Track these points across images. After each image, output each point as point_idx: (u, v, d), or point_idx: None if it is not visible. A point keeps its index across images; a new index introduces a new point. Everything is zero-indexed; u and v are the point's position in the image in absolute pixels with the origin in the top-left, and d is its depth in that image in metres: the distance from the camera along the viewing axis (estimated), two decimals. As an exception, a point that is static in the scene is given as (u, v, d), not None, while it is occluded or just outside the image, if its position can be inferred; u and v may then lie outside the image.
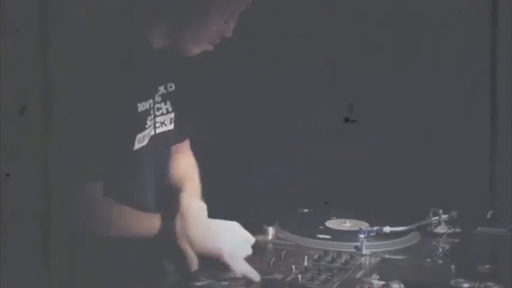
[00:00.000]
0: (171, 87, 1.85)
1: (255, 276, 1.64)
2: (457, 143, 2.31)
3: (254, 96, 2.57)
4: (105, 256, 1.67)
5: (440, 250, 1.86)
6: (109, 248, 1.66)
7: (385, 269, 1.72)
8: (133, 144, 1.71)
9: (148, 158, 1.77)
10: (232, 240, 1.70)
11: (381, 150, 2.45)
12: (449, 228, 1.99)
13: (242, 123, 2.59)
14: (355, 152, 2.50)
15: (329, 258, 1.78)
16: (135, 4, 1.73)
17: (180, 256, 1.68)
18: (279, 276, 1.66)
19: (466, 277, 1.60)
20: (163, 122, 1.83)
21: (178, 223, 1.68)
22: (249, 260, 1.71)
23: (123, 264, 1.69)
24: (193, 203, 1.75)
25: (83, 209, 1.63)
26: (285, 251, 1.80)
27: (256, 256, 1.76)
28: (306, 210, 2.18)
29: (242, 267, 1.65)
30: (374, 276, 1.66)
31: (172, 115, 1.85)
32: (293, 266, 1.70)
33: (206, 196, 1.99)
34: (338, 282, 1.62)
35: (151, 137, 1.78)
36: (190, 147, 2.01)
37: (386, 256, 1.81)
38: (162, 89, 1.82)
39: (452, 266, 1.68)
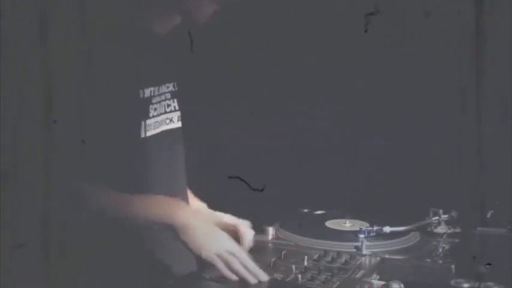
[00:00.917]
0: (175, 86, 1.86)
1: (251, 279, 1.63)
2: (457, 143, 2.31)
3: (254, 96, 2.57)
4: (104, 255, 1.67)
5: (440, 250, 1.86)
6: (108, 247, 1.66)
7: (385, 269, 1.72)
8: (139, 131, 1.72)
9: (158, 150, 1.79)
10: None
11: (381, 150, 2.45)
12: (449, 228, 1.99)
13: (242, 123, 2.59)
14: (355, 152, 2.50)
15: (329, 258, 1.78)
16: None
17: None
18: (279, 276, 1.66)
19: (466, 277, 1.60)
20: (172, 118, 1.85)
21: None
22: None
23: (123, 264, 1.69)
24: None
25: (84, 200, 1.63)
26: (285, 251, 1.80)
27: (256, 256, 1.76)
28: (306, 210, 2.18)
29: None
30: (374, 276, 1.66)
31: (179, 113, 1.88)
32: (293, 266, 1.70)
33: (206, 196, 2.00)
34: (338, 282, 1.62)
35: (163, 131, 1.80)
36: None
37: (387, 256, 1.81)
38: (170, 87, 1.85)
39: (452, 266, 1.68)
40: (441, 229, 1.99)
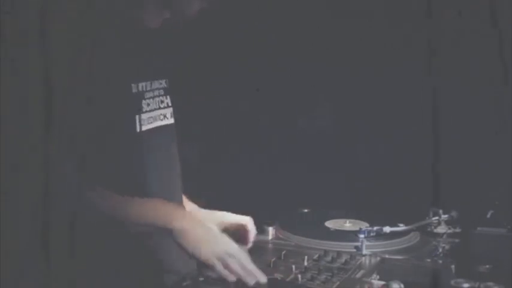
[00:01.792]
0: (166, 82, 1.87)
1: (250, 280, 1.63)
2: (457, 143, 2.31)
3: (254, 96, 2.57)
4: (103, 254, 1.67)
5: (440, 250, 1.86)
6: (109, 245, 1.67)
7: (385, 269, 1.72)
8: (134, 126, 1.73)
9: (154, 145, 1.79)
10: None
11: (381, 150, 2.45)
12: (449, 228, 1.99)
13: (242, 123, 2.59)
14: (355, 152, 2.50)
15: (329, 258, 1.78)
16: None
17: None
18: (279, 276, 1.66)
19: (466, 277, 1.60)
20: (165, 115, 1.85)
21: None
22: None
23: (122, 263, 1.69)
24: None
25: (82, 198, 1.63)
26: (285, 251, 1.80)
27: (256, 256, 1.76)
28: (306, 210, 2.18)
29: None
30: (374, 276, 1.66)
31: (171, 110, 1.89)
32: (293, 266, 1.70)
33: (206, 196, 2.00)
34: (338, 282, 1.62)
35: (157, 127, 1.80)
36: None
37: (387, 256, 1.81)
38: (163, 83, 1.86)
39: (452, 266, 1.68)
40: (441, 229, 1.99)
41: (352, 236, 1.91)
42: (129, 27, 1.74)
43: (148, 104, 1.79)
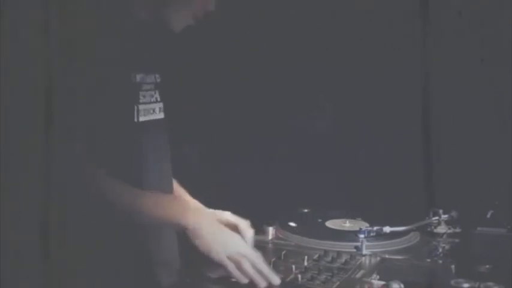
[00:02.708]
0: (158, 78, 1.87)
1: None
2: (457, 143, 2.31)
3: (254, 96, 2.57)
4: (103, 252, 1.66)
5: (440, 250, 1.86)
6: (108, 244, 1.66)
7: (385, 269, 1.72)
8: (133, 115, 1.73)
9: (147, 138, 1.80)
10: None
11: (381, 150, 2.45)
12: (449, 228, 1.99)
13: (241, 123, 2.59)
14: (355, 152, 2.50)
15: (329, 258, 1.78)
16: None
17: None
18: (279, 276, 1.66)
19: (466, 277, 1.60)
20: (154, 109, 1.85)
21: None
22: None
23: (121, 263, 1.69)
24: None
25: (83, 189, 1.63)
26: (285, 251, 1.80)
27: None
28: (306, 210, 2.18)
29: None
30: (374, 276, 1.66)
31: (161, 104, 1.88)
32: (293, 266, 1.70)
33: (207, 196, 1.99)
34: (338, 282, 1.62)
35: (148, 121, 1.81)
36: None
37: (387, 256, 1.81)
38: (153, 78, 1.85)
39: (452, 266, 1.68)
40: (441, 229, 1.99)
41: (352, 236, 1.91)
42: (131, 20, 1.74)
43: (144, 96, 1.79)
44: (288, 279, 1.65)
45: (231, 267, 1.62)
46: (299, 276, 1.65)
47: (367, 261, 1.77)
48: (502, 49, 2.23)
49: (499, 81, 2.25)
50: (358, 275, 1.67)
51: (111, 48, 1.68)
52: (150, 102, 1.83)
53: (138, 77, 1.78)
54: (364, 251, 1.81)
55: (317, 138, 2.54)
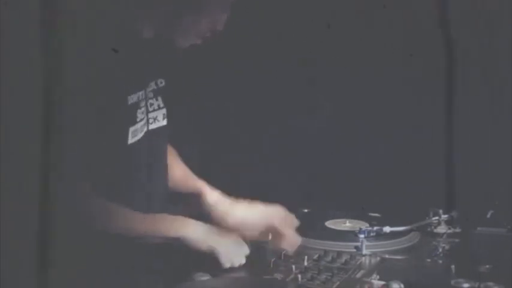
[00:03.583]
0: (161, 82, 1.84)
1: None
2: (457, 143, 2.31)
3: (255, 96, 2.57)
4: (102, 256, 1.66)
5: (440, 250, 1.86)
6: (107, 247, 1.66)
7: (385, 269, 1.72)
8: (126, 138, 1.70)
9: (143, 154, 1.77)
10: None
11: (381, 150, 2.45)
12: (449, 228, 1.99)
13: (241, 123, 2.59)
14: (355, 152, 2.50)
15: (329, 258, 1.77)
16: None
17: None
18: (279, 276, 1.66)
19: (466, 277, 1.60)
20: (156, 117, 1.81)
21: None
22: (249, 260, 1.72)
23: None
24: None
25: (75, 207, 1.62)
26: (285, 251, 1.80)
27: (256, 256, 1.76)
28: (306, 210, 2.18)
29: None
30: (374, 276, 1.66)
31: (164, 111, 1.84)
32: (293, 266, 1.70)
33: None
34: (338, 282, 1.62)
35: (146, 132, 1.77)
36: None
37: (387, 256, 1.81)
38: (153, 85, 1.81)
39: (452, 266, 1.68)
40: (441, 229, 1.99)
41: (352, 236, 1.91)
42: (131, 38, 1.70)
43: (142, 112, 1.76)
44: (288, 279, 1.65)
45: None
46: (299, 276, 1.65)
47: (367, 261, 1.77)
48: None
49: (498, 80, 2.25)
50: (358, 275, 1.67)
51: (107, 73, 1.63)
52: (148, 112, 1.78)
53: (136, 97, 1.73)
54: (364, 251, 1.81)
55: (317, 138, 2.54)
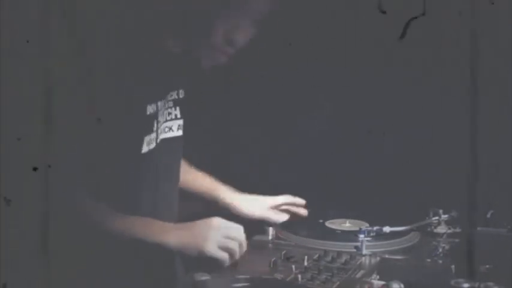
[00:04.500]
0: (182, 93, 1.83)
1: None
2: (457, 143, 2.31)
3: (255, 96, 2.57)
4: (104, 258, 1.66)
5: (440, 250, 1.86)
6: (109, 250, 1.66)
7: (385, 269, 1.72)
8: (141, 147, 1.70)
9: (156, 163, 1.76)
10: None
11: (381, 150, 2.45)
12: (449, 228, 1.99)
13: (241, 122, 2.59)
14: (355, 152, 2.50)
15: (329, 258, 1.78)
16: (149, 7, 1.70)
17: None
18: (279, 276, 1.66)
19: (466, 277, 1.60)
20: (171, 127, 1.81)
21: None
22: (249, 260, 1.72)
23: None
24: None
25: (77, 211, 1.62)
26: (285, 251, 1.80)
27: (256, 256, 1.76)
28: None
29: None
30: (374, 276, 1.66)
31: (180, 122, 1.84)
32: (293, 266, 1.70)
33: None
34: (338, 282, 1.62)
35: (160, 141, 1.77)
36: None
37: (386, 256, 1.81)
38: (174, 95, 1.81)
39: (452, 266, 1.68)
40: (441, 229, 1.99)
41: (352, 236, 1.91)
42: (148, 49, 1.69)
43: (158, 122, 1.75)
44: (288, 279, 1.65)
45: (224, 258, 1.64)
46: (299, 276, 1.65)
47: (367, 261, 1.77)
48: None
49: (499, 80, 2.25)
50: (358, 275, 1.67)
51: (127, 83, 1.64)
52: (165, 121, 1.78)
53: (154, 106, 1.72)
54: (364, 251, 1.81)
55: (317, 138, 2.54)
